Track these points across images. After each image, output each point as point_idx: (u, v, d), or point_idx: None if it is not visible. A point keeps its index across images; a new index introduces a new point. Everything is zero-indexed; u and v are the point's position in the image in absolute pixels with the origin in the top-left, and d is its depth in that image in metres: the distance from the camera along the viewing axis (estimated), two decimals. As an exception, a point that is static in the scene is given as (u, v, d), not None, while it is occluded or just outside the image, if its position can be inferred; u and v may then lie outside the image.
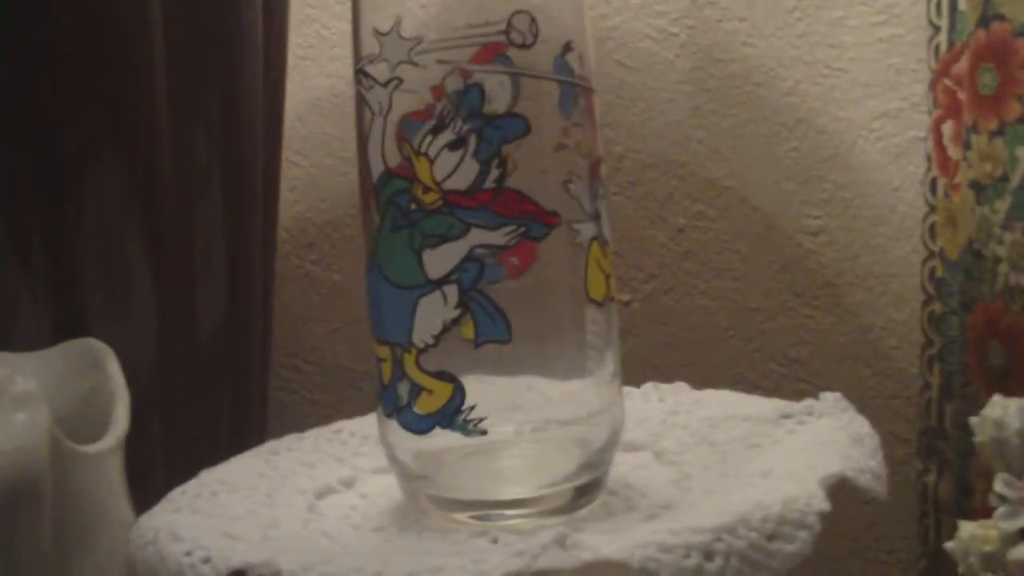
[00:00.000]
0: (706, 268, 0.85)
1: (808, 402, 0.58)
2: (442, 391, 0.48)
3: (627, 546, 0.42)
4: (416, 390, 0.48)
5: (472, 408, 0.47)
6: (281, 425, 0.90)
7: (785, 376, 0.83)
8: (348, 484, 0.54)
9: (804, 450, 0.53)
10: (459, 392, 0.47)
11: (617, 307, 0.53)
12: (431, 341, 0.47)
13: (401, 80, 0.47)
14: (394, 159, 0.47)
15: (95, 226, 0.65)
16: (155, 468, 0.67)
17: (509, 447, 0.49)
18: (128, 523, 0.48)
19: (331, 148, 0.95)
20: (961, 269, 0.68)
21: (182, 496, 0.51)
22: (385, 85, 0.47)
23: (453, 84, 0.46)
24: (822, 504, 0.46)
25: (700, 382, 0.64)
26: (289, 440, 0.57)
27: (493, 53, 0.47)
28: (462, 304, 0.47)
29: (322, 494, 0.53)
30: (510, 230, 0.47)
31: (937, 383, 0.74)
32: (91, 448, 0.45)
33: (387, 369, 0.49)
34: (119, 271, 0.67)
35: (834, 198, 0.81)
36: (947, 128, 0.72)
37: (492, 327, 0.47)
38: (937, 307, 0.74)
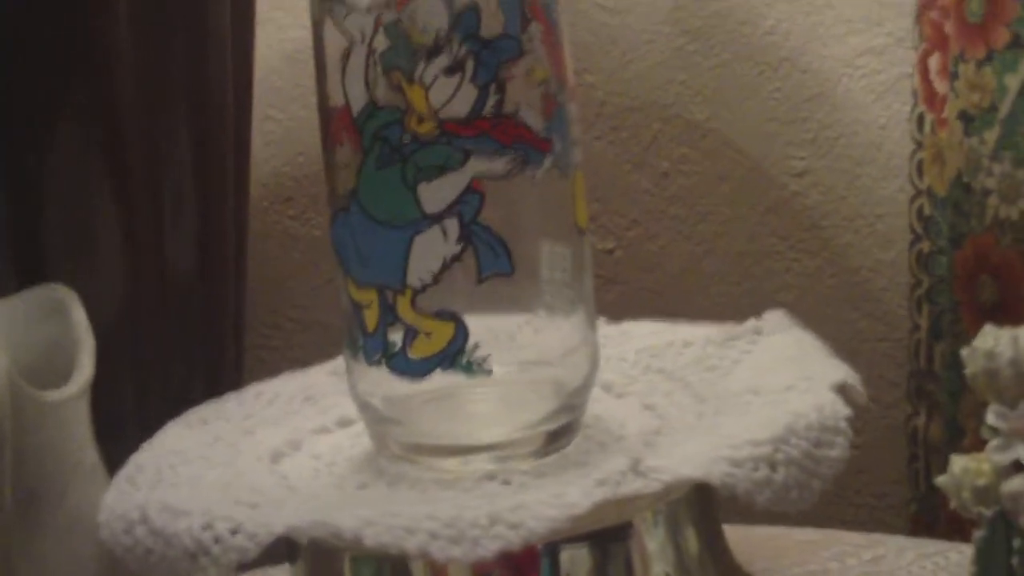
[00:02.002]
0: (691, 213, 0.83)
1: (751, 322, 0.57)
2: (442, 332, 0.45)
3: (702, 463, 0.41)
4: (412, 333, 0.46)
5: (476, 347, 0.45)
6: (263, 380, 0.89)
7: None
8: (295, 446, 0.52)
9: (778, 365, 0.53)
10: (461, 331, 0.45)
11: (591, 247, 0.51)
12: (429, 280, 0.45)
13: (390, 4, 0.45)
14: (381, 89, 0.45)
15: (59, 176, 0.63)
16: (126, 421, 0.66)
17: (480, 390, 0.47)
18: (97, 472, 0.47)
19: (307, 101, 0.93)
20: (950, 204, 0.67)
21: (139, 474, 0.47)
22: (368, 10, 0.45)
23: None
24: (846, 409, 0.46)
25: (685, 328, 0.63)
26: (214, 407, 0.54)
27: None
28: (464, 238, 0.45)
29: (276, 458, 0.50)
30: (510, 158, 0.45)
31: (926, 324, 0.73)
32: (53, 395, 0.44)
33: (372, 315, 0.46)
34: (85, 220, 0.65)
35: (819, 138, 0.80)
36: (933, 62, 0.70)
37: (495, 260, 0.45)
38: (925, 246, 0.72)
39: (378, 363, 0.46)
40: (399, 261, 0.45)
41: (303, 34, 0.94)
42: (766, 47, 0.80)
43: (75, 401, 0.45)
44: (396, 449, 0.48)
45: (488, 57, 0.45)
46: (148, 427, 0.67)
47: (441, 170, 0.45)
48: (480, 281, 0.45)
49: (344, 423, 0.53)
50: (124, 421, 0.66)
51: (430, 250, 0.45)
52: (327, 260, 0.93)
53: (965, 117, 0.63)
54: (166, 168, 0.69)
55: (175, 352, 0.70)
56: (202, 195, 0.71)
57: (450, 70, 0.44)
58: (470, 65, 0.44)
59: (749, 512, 0.56)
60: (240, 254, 0.76)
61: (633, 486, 0.41)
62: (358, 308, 0.46)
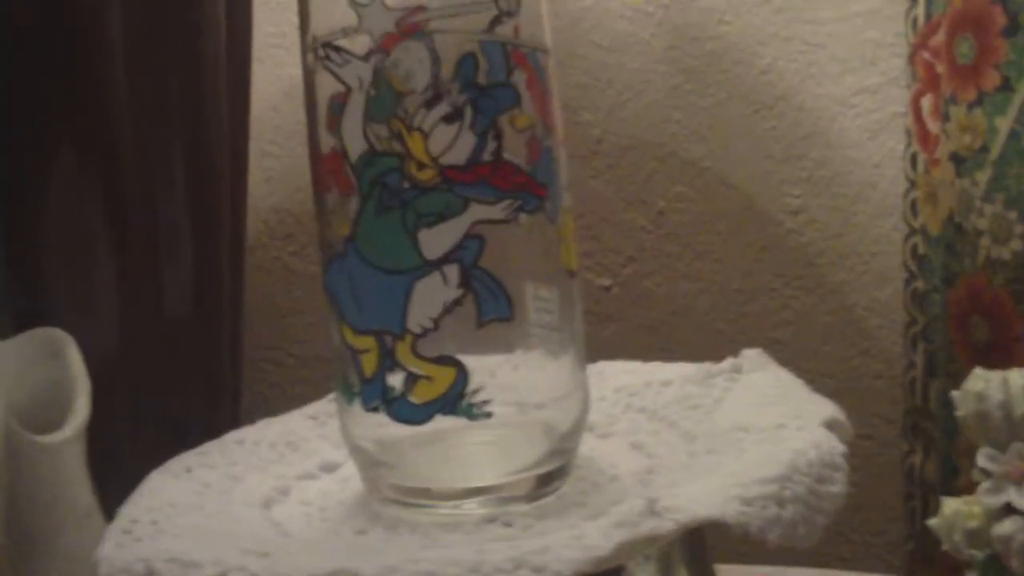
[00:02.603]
0: (687, 250, 0.84)
1: (730, 360, 0.58)
2: (443, 376, 0.45)
3: (715, 503, 0.42)
4: (412, 379, 0.46)
5: (476, 391, 0.46)
6: (263, 418, 0.89)
7: (768, 358, 0.82)
8: (284, 492, 0.52)
9: (763, 403, 0.53)
10: (462, 376, 0.46)
11: (581, 287, 0.51)
12: (430, 325, 0.45)
13: (387, 53, 0.45)
14: (379, 136, 0.45)
15: (56, 215, 0.64)
16: (121, 459, 0.66)
17: (472, 433, 0.47)
18: (93, 515, 0.47)
19: (306, 137, 0.93)
20: (942, 244, 0.67)
21: (135, 526, 0.47)
22: (366, 58, 0.45)
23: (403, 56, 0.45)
24: (841, 446, 0.47)
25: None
26: (195, 456, 0.54)
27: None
28: (464, 283, 0.45)
29: (267, 504, 0.50)
30: (508, 204, 0.46)
31: (921, 362, 0.73)
32: (49, 438, 0.44)
33: (370, 360, 0.46)
34: (81, 261, 0.66)
35: (814, 176, 0.80)
36: (926, 102, 0.71)
37: (495, 304, 0.45)
38: (920, 284, 0.72)
39: (376, 409, 0.46)
40: (399, 307, 0.45)
41: (301, 72, 0.95)
42: (761, 86, 0.80)
43: (70, 444, 0.45)
44: (388, 492, 0.48)
45: (486, 105, 0.45)
46: (143, 465, 0.67)
47: (441, 216, 0.45)
48: (480, 325, 0.46)
49: (328, 468, 0.54)
50: (119, 459, 0.66)
51: (430, 295, 0.45)
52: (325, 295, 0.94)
53: (956, 158, 0.64)
54: (162, 205, 0.69)
55: (171, 390, 0.70)
56: (198, 232, 0.71)
57: (449, 118, 0.45)
58: (468, 113, 0.45)
59: (742, 552, 0.56)
60: (237, 291, 0.76)
61: (650, 526, 0.41)
62: (355, 354, 0.46)
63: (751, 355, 0.59)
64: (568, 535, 0.41)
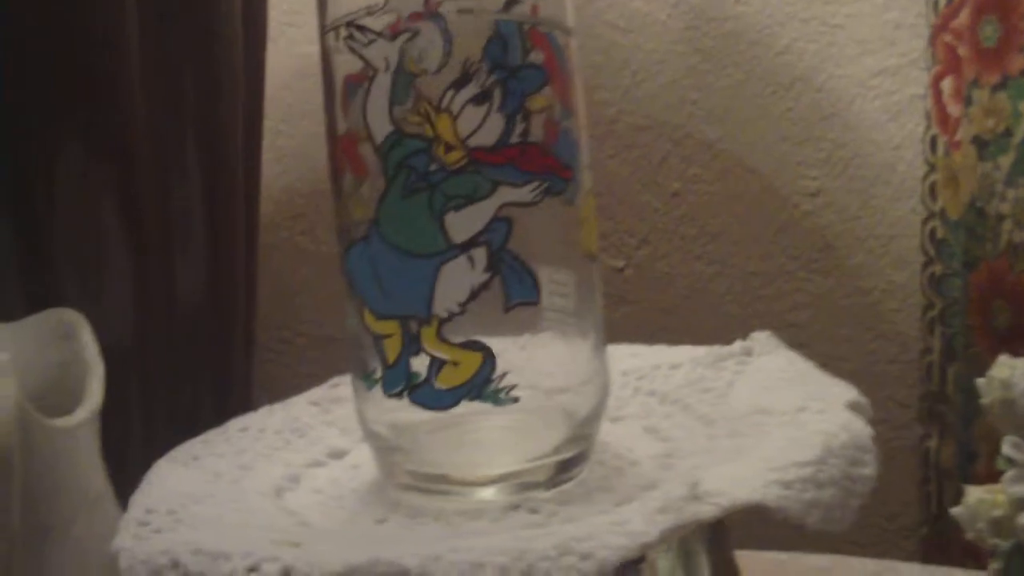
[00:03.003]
0: (702, 232, 0.83)
1: (739, 343, 0.57)
2: (470, 361, 0.44)
3: (756, 486, 0.41)
4: (437, 363, 0.45)
5: (503, 376, 0.45)
6: (273, 400, 0.89)
7: (784, 341, 0.81)
8: (294, 480, 0.51)
9: (778, 385, 0.52)
10: (489, 360, 0.45)
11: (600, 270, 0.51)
12: (456, 309, 0.44)
13: (416, 32, 0.44)
14: (406, 118, 0.45)
15: (68, 203, 0.63)
16: (133, 443, 0.66)
17: (490, 418, 0.47)
18: (105, 500, 0.46)
19: (319, 117, 0.91)
20: (963, 228, 0.66)
21: (152, 516, 0.45)
22: (393, 38, 0.45)
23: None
24: (869, 428, 0.46)
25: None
26: (200, 444, 0.53)
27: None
28: (492, 267, 0.44)
29: (279, 493, 0.50)
30: (535, 186, 0.45)
31: (939, 346, 0.72)
32: (62, 421, 0.43)
33: (393, 345, 0.45)
34: (93, 242, 0.65)
35: (832, 158, 0.79)
36: (946, 84, 0.70)
37: (522, 288, 0.44)
38: (938, 268, 0.72)
39: (399, 395, 0.46)
40: (425, 291, 0.44)
41: (314, 49, 0.93)
42: (779, 67, 0.79)
43: (84, 428, 0.44)
44: (404, 479, 0.47)
45: (514, 86, 0.44)
46: (155, 455, 0.67)
47: (469, 199, 0.44)
48: (507, 310, 0.45)
49: (336, 455, 0.53)
50: (131, 448, 0.66)
51: (457, 279, 0.44)
52: (336, 276, 0.94)
53: (979, 142, 0.63)
54: (175, 187, 0.69)
55: (184, 374, 0.70)
56: (212, 214, 0.71)
57: (478, 99, 0.44)
58: (497, 94, 0.44)
59: (758, 537, 0.56)
60: (251, 273, 0.75)
61: (693, 511, 0.40)
62: (377, 339, 0.46)
63: (761, 338, 0.58)
64: (608, 521, 0.40)
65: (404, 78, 0.44)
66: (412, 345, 0.45)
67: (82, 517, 0.44)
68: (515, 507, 0.45)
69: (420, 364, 0.45)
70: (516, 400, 0.45)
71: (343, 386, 0.58)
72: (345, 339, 0.89)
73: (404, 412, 0.46)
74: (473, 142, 0.44)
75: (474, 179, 0.44)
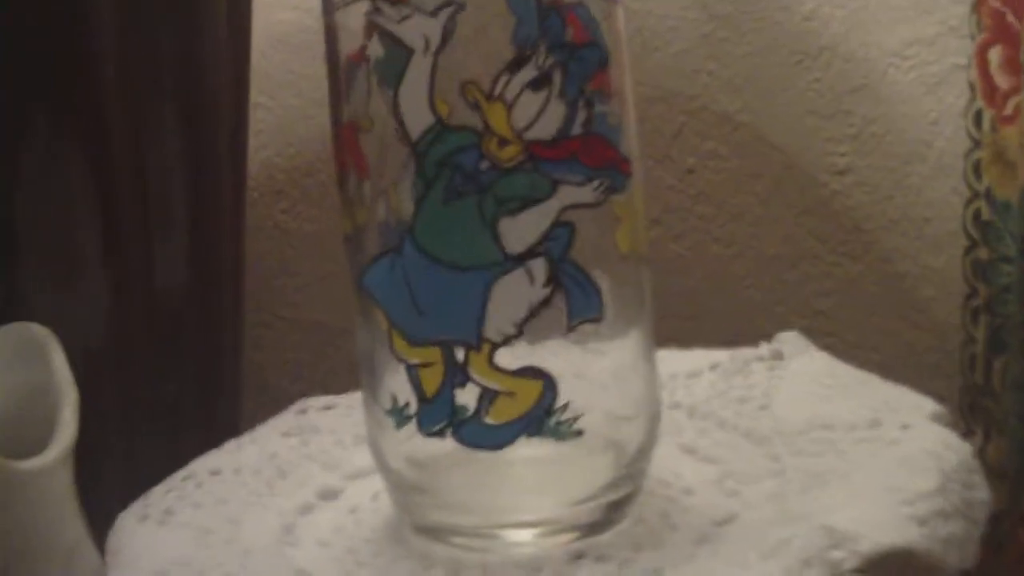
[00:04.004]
0: (720, 212, 0.77)
1: (765, 346, 0.53)
2: (527, 391, 0.39)
3: (895, 527, 0.37)
4: (489, 395, 0.39)
5: (565, 407, 0.39)
6: (256, 387, 0.84)
7: (809, 329, 0.75)
8: (290, 532, 0.45)
9: (831, 395, 0.48)
10: (549, 389, 0.39)
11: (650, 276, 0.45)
12: (512, 331, 0.38)
13: (462, 5, 0.38)
14: (451, 108, 0.38)
15: (33, 176, 0.57)
16: (112, 454, 0.60)
17: (523, 450, 0.40)
18: (82, 547, 0.40)
19: (299, 88, 0.87)
20: (1021, 213, 0.61)
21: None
22: (434, 13, 0.38)
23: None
24: (968, 445, 0.43)
25: (713, 338, 0.58)
26: (166, 492, 0.47)
27: None
28: (553, 280, 0.38)
29: (279, 548, 0.44)
30: (598, 184, 0.39)
31: (983, 336, 0.67)
32: (33, 464, 0.37)
33: (432, 376, 0.39)
34: (63, 231, 0.59)
35: (863, 134, 0.74)
36: (994, 54, 0.64)
37: (586, 303, 0.39)
38: (983, 253, 0.67)
39: (440, 433, 0.39)
40: (475, 311, 0.38)
41: (293, 15, 0.88)
42: (804, 34, 0.74)
43: (57, 468, 0.38)
44: (426, 522, 0.42)
45: (576, 68, 0.38)
46: (136, 460, 0.61)
47: (526, 202, 0.38)
48: (571, 329, 0.39)
49: (326, 495, 0.47)
50: (109, 450, 0.60)
51: (513, 296, 0.38)
52: (320, 256, 0.89)
53: (1044, 119, 0.57)
54: (154, 165, 0.62)
55: (166, 374, 0.64)
56: (195, 195, 0.65)
57: (537, 83, 0.38)
58: (557, 78, 0.38)
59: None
60: (238, 260, 0.70)
61: (837, 561, 0.36)
62: (411, 369, 0.39)
63: (789, 338, 0.54)
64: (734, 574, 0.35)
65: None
66: (457, 375, 0.38)
67: (57, 568, 0.38)
68: (579, 556, 0.39)
69: (466, 396, 0.39)
70: (580, 434, 0.39)
71: (312, 412, 0.53)
72: (329, 322, 0.83)
73: (426, 445, 0.40)
74: (531, 135, 0.38)
75: (532, 178, 0.38)
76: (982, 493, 0.41)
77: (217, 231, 0.66)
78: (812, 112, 0.75)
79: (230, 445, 0.51)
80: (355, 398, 0.54)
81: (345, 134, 0.41)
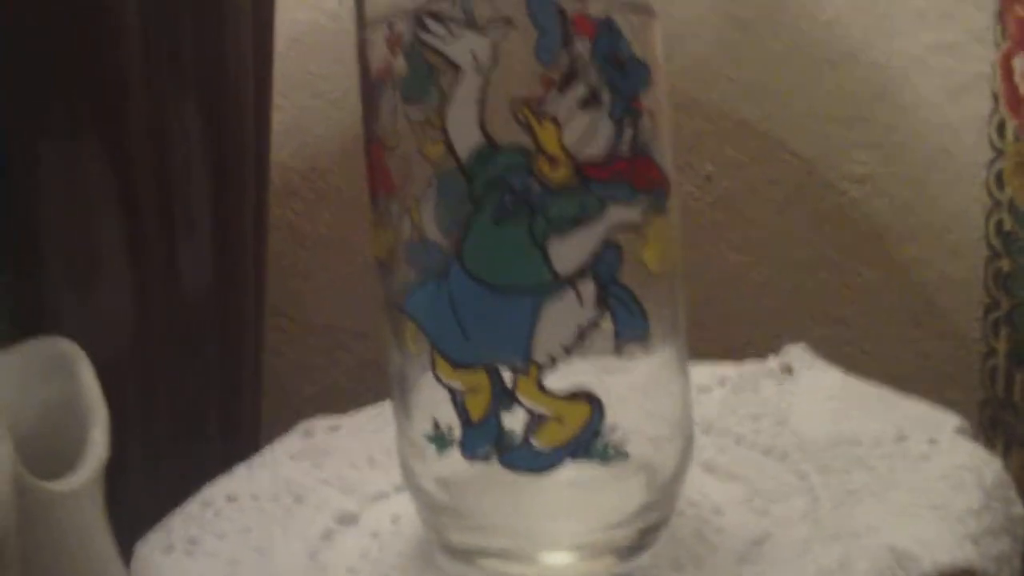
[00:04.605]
0: (738, 219, 0.77)
1: (773, 360, 0.53)
2: (576, 414, 0.39)
3: (951, 546, 0.37)
4: (537, 420, 0.39)
5: (614, 429, 0.39)
6: (269, 392, 0.83)
7: (828, 338, 0.76)
8: (312, 557, 0.45)
9: (844, 409, 0.49)
10: (598, 412, 0.39)
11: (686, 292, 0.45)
12: (561, 354, 0.38)
13: (511, 22, 0.38)
14: (502, 128, 0.38)
15: (54, 178, 0.57)
16: (133, 456, 0.60)
17: (562, 474, 0.40)
18: (111, 566, 0.40)
19: (315, 88, 0.87)
20: (1048, 224, 0.60)
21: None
22: (484, 30, 0.38)
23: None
24: (998, 459, 0.43)
25: (731, 346, 0.58)
26: (187, 519, 0.47)
27: None
28: (602, 302, 0.38)
29: (313, 557, 0.44)
30: (644, 203, 0.39)
31: (1004, 349, 0.67)
32: (63, 485, 0.37)
33: (478, 400, 0.39)
34: (85, 234, 0.59)
35: (884, 141, 0.74)
36: (1019, 62, 0.64)
37: (632, 323, 0.39)
38: (1005, 264, 0.66)
39: (485, 458, 0.39)
40: (524, 334, 0.38)
41: (309, 16, 0.88)
42: (825, 41, 0.74)
43: (88, 489, 0.38)
44: (456, 543, 0.41)
45: (624, 85, 0.38)
46: (156, 462, 0.61)
47: (576, 222, 0.38)
48: (618, 349, 0.39)
49: (345, 520, 0.47)
50: (130, 455, 0.60)
51: (563, 318, 0.38)
52: (335, 259, 0.88)
53: (1069, 131, 0.57)
54: (177, 168, 0.62)
55: (189, 377, 0.64)
56: (218, 198, 0.64)
57: (586, 102, 0.38)
58: (606, 96, 0.38)
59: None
60: (260, 263, 0.69)
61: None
62: (455, 394, 0.39)
63: (796, 351, 0.53)
64: None
65: (426, 75, 0.38)
66: (504, 398, 0.38)
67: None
68: None
69: (512, 420, 0.39)
70: (626, 456, 0.39)
71: (319, 433, 0.53)
72: (343, 326, 0.83)
73: (459, 467, 0.40)
74: (580, 154, 0.37)
75: (582, 198, 0.37)
76: (1019, 509, 0.41)
77: (240, 233, 0.65)
78: (832, 119, 0.74)
79: (241, 470, 0.50)
80: (361, 417, 0.54)
81: (373, 152, 0.41)
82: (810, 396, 0.51)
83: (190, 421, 0.64)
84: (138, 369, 0.60)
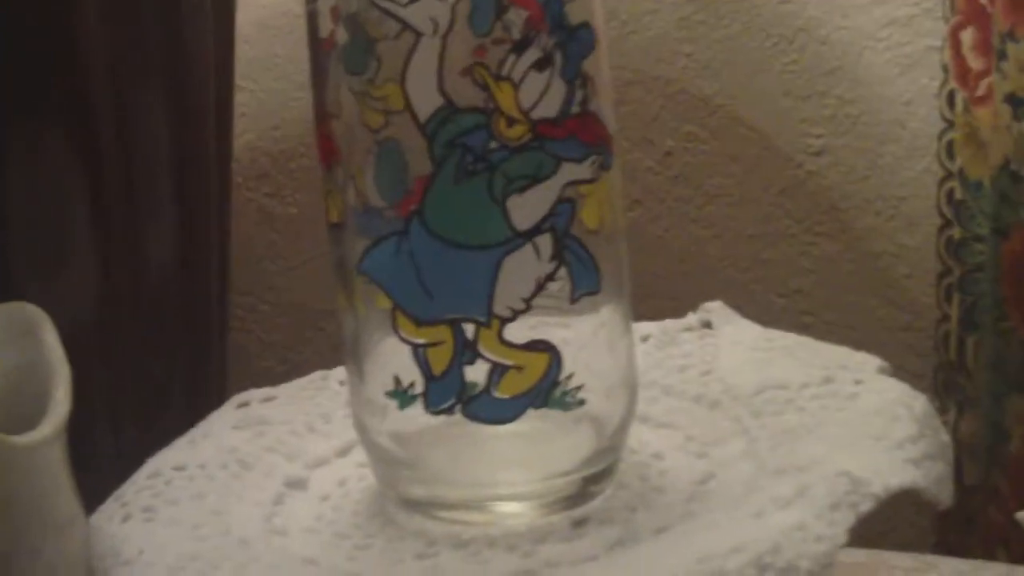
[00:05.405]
0: (697, 193, 0.78)
1: (692, 315, 0.55)
2: (535, 364, 0.40)
3: (897, 469, 0.39)
4: (500, 370, 0.40)
5: (570, 377, 0.40)
6: (240, 370, 0.84)
7: (786, 309, 0.77)
8: (267, 520, 0.45)
9: (768, 357, 0.50)
10: (556, 361, 0.40)
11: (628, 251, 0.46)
12: (521, 306, 0.39)
13: None
14: (459, 90, 0.39)
15: (19, 158, 0.58)
16: (100, 428, 0.61)
17: (510, 426, 0.41)
18: (75, 522, 0.41)
19: (282, 71, 0.88)
20: (995, 192, 0.62)
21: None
22: None
23: None
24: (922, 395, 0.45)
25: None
26: (141, 492, 0.47)
27: None
28: (558, 255, 0.40)
29: (271, 538, 0.45)
30: (593, 160, 0.40)
31: (956, 314, 0.68)
32: (25, 438, 0.38)
33: (441, 355, 0.40)
34: (51, 212, 0.60)
35: (838, 115, 0.75)
36: (967, 36, 0.65)
37: (586, 276, 0.40)
38: (956, 232, 0.68)
39: (449, 410, 0.40)
40: (483, 288, 0.39)
41: (275, 0, 0.89)
42: (781, 17, 0.75)
43: (50, 444, 0.39)
44: (410, 496, 0.43)
45: (573, 48, 0.39)
46: (123, 434, 0.62)
47: (533, 180, 0.39)
48: (574, 301, 0.40)
49: (295, 485, 0.48)
50: (97, 427, 0.61)
51: (522, 272, 0.39)
52: (305, 239, 0.89)
53: (1014, 100, 0.58)
54: (140, 148, 0.63)
55: (152, 353, 0.64)
56: (181, 177, 0.65)
57: (540, 64, 0.39)
58: (558, 58, 0.39)
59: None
60: (224, 240, 0.70)
61: (857, 503, 0.38)
62: (417, 350, 0.40)
63: (715, 307, 0.55)
64: (780, 525, 0.36)
65: (363, 43, 0.39)
66: (466, 352, 0.39)
67: (50, 544, 0.39)
68: (581, 522, 0.40)
69: (475, 373, 0.40)
70: (583, 403, 0.40)
71: (255, 404, 0.53)
72: (313, 305, 0.83)
73: (410, 421, 0.41)
74: (536, 114, 0.39)
75: (538, 156, 0.39)
76: (946, 437, 0.42)
77: (203, 212, 0.66)
78: (788, 94, 0.76)
79: (182, 442, 0.51)
80: (292, 387, 0.55)
81: (320, 122, 0.42)
82: (732, 347, 0.52)
83: (155, 395, 0.65)
84: (103, 344, 0.61)
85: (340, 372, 0.55)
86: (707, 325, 0.54)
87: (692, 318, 0.54)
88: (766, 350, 0.51)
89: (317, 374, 0.56)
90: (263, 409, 0.52)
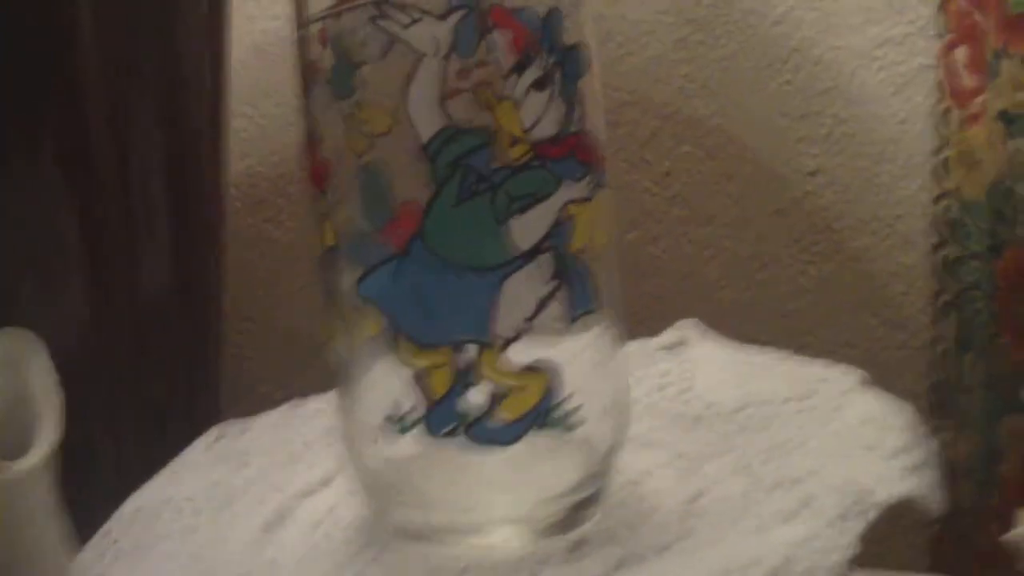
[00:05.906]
0: (695, 214, 0.78)
1: (667, 333, 0.55)
2: (535, 385, 0.40)
3: (896, 479, 0.40)
4: (501, 393, 0.40)
5: (570, 396, 0.40)
6: (236, 395, 0.84)
7: (784, 329, 0.77)
8: (261, 547, 0.46)
9: (745, 373, 0.50)
10: (556, 382, 0.40)
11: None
12: (524, 327, 0.39)
13: (470, 9, 0.39)
14: (461, 110, 0.39)
15: (13, 182, 0.58)
16: (99, 453, 0.61)
17: (503, 450, 0.41)
18: (59, 553, 0.41)
19: (280, 97, 0.88)
20: (989, 210, 0.62)
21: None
22: (444, 16, 0.39)
23: None
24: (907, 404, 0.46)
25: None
26: (130, 522, 0.47)
27: None
28: (558, 274, 0.39)
29: (263, 546, 0.45)
30: (590, 179, 0.40)
31: (952, 334, 0.68)
32: (13, 467, 0.38)
33: (441, 378, 0.40)
34: (46, 237, 0.60)
35: (833, 134, 0.75)
36: (960, 54, 0.66)
37: (584, 296, 0.40)
38: (952, 251, 0.68)
39: (452, 434, 0.40)
40: (484, 311, 0.39)
41: (274, 25, 0.89)
42: (775, 37, 0.75)
43: (39, 472, 0.39)
44: (406, 524, 0.42)
45: (571, 68, 0.40)
46: (121, 458, 0.62)
47: (535, 199, 0.39)
48: (573, 320, 0.40)
49: (284, 515, 0.47)
50: (94, 451, 0.61)
51: (524, 292, 0.39)
52: (302, 265, 0.89)
53: (1007, 118, 0.59)
54: (136, 172, 0.63)
55: (150, 376, 0.65)
56: (176, 202, 0.65)
57: (540, 83, 0.39)
58: (557, 78, 0.39)
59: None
60: (219, 264, 0.70)
61: (864, 512, 0.38)
62: (419, 374, 0.40)
63: (688, 325, 0.55)
64: (792, 538, 0.36)
65: (346, 66, 0.39)
66: (467, 375, 0.39)
67: (37, 570, 0.39)
68: (580, 544, 0.40)
69: (476, 395, 0.40)
70: (583, 423, 0.40)
71: (231, 437, 0.53)
72: (310, 331, 0.83)
73: (400, 447, 0.41)
74: (536, 134, 0.39)
75: (540, 175, 0.39)
76: (934, 445, 0.42)
77: (199, 237, 0.67)
78: (783, 114, 0.76)
79: (162, 477, 0.50)
80: (268, 418, 0.55)
81: (309, 147, 0.42)
82: (710, 365, 0.52)
83: (152, 420, 0.65)
84: (98, 370, 0.61)
85: (314, 400, 0.55)
86: (682, 342, 0.54)
87: (667, 336, 0.54)
88: (743, 366, 0.51)
89: (290, 403, 0.56)
90: (242, 441, 0.52)
